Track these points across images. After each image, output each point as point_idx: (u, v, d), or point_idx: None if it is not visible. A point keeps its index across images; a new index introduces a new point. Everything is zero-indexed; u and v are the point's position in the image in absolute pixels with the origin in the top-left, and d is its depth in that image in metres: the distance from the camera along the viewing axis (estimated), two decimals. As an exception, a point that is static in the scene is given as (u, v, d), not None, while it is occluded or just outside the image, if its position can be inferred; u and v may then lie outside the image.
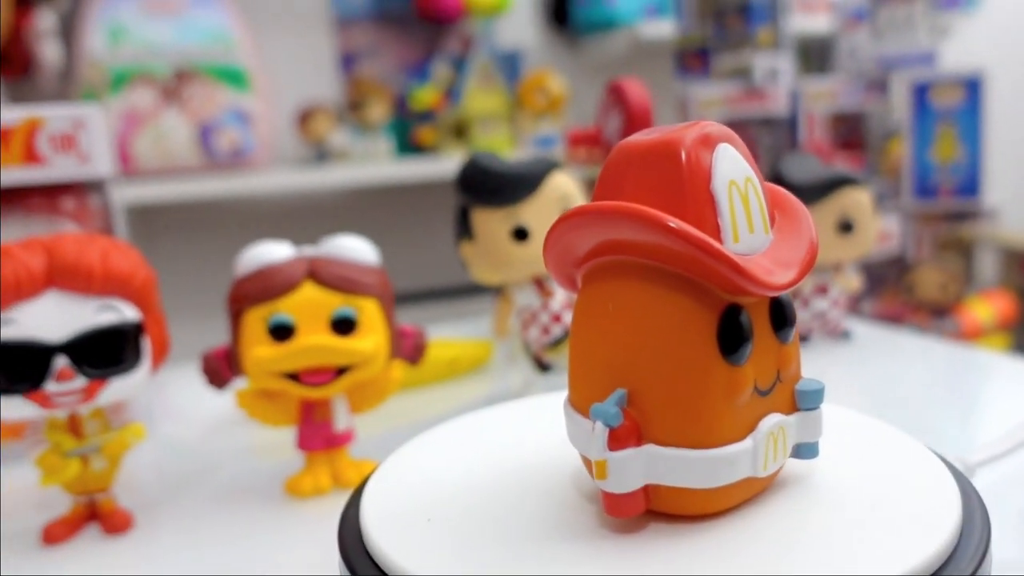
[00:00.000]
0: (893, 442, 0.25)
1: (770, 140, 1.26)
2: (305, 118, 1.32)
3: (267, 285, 0.36)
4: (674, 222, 0.19)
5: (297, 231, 0.83)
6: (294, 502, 0.37)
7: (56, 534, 0.34)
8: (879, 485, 0.23)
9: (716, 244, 0.20)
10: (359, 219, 1.52)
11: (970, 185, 1.25)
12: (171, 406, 0.54)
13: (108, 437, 0.35)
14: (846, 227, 0.53)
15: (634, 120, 0.51)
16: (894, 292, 1.21)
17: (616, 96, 0.52)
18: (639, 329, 0.21)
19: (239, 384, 0.38)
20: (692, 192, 0.21)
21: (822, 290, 0.55)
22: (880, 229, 0.55)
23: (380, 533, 0.22)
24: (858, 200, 0.53)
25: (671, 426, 0.21)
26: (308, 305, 0.35)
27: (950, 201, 1.27)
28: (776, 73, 1.21)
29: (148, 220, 1.41)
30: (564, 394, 0.24)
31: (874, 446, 0.25)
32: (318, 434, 0.38)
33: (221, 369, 0.38)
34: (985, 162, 1.25)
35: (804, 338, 0.57)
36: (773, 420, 0.21)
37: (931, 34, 1.29)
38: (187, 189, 1.18)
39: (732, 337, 0.20)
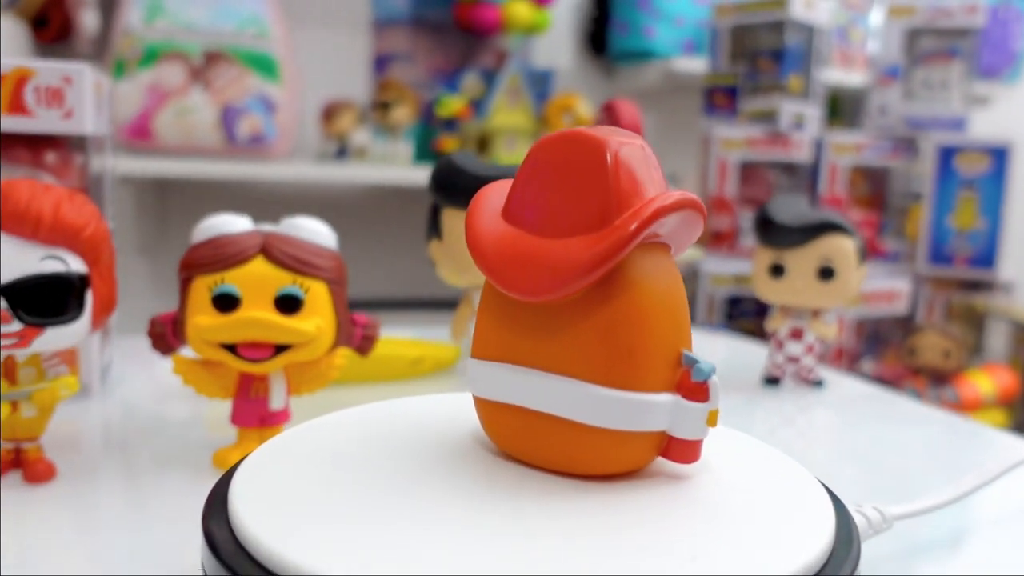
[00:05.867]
0: (789, 471, 0.26)
1: (789, 186, 1.25)
2: (329, 113, 1.33)
3: (218, 254, 0.36)
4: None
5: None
6: (219, 475, 0.37)
7: (-25, 475, 0.35)
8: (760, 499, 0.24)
9: None
10: (372, 218, 1.53)
11: (987, 256, 1.24)
12: (134, 371, 0.54)
13: (40, 386, 0.35)
14: (827, 273, 0.52)
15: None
16: (896, 355, 1.19)
17: (609, 114, 0.52)
18: (683, 298, 0.25)
19: (187, 352, 0.38)
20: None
21: (797, 335, 0.55)
22: (863, 280, 0.54)
23: (246, 508, 0.22)
24: (841, 247, 0.52)
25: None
26: (255, 279, 0.35)
27: (964, 269, 1.25)
28: (802, 120, 1.20)
29: (163, 194, 1.42)
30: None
31: (769, 474, 0.26)
32: (253, 410, 0.38)
33: (167, 335, 0.38)
34: (1004, 234, 1.23)
35: (776, 380, 0.56)
36: None
37: (965, 100, 1.28)
38: (204, 168, 1.19)
39: None
